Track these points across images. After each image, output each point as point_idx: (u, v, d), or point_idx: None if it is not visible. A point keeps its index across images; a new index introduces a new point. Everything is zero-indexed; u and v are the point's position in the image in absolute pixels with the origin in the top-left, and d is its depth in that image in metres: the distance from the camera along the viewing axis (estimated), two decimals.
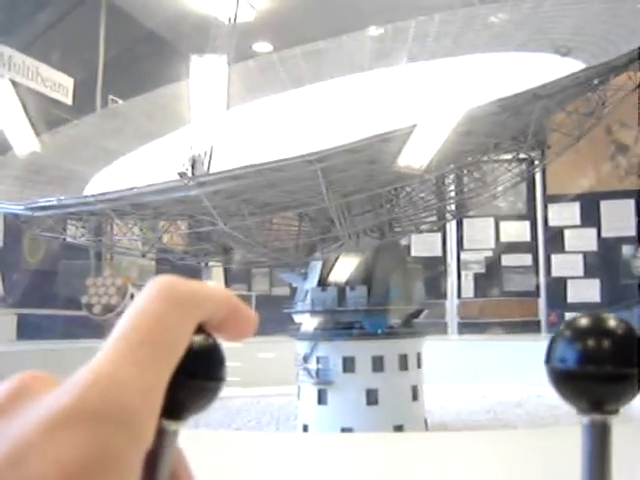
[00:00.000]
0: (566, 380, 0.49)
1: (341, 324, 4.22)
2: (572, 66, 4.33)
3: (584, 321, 0.50)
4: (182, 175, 4.01)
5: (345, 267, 4.21)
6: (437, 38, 5.43)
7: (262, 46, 9.40)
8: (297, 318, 4.40)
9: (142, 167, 5.30)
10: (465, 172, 4.69)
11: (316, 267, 4.30)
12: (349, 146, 3.27)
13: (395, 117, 4.95)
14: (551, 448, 1.49)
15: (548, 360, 0.50)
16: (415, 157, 3.54)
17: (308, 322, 4.28)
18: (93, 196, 3.71)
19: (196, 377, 0.41)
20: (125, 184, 4.85)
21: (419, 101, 5.13)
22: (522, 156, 4.56)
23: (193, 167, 4.11)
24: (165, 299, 0.40)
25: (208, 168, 4.16)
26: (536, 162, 4.61)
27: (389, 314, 4.23)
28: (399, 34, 5.73)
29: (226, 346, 0.46)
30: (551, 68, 4.48)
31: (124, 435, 0.35)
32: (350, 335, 4.14)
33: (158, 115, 5.76)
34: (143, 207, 3.89)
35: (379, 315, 4.17)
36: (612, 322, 0.49)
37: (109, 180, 5.10)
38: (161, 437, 0.40)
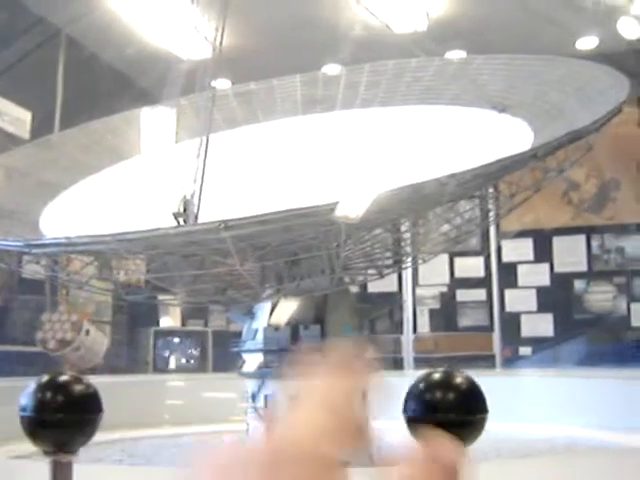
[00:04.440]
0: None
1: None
2: (509, 123, 4.49)
3: (433, 376, 0.58)
4: (177, 216, 4.08)
5: (293, 307, 4.26)
6: (369, 87, 5.54)
7: (221, 82, 9.45)
8: (246, 357, 4.42)
9: (93, 201, 5.26)
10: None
11: (263, 306, 4.34)
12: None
13: (350, 166, 5.06)
14: None
15: (405, 410, 0.58)
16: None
17: (255, 360, 4.31)
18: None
19: None
20: (87, 220, 4.85)
21: (373, 151, 5.24)
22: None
23: (185, 208, 4.16)
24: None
25: (198, 209, 4.23)
26: (490, 213, 4.75)
27: None
28: (330, 80, 5.85)
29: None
30: (488, 124, 4.63)
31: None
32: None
33: (94, 149, 5.72)
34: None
35: None
36: (457, 377, 0.58)
37: (65, 215, 5.06)
38: None
